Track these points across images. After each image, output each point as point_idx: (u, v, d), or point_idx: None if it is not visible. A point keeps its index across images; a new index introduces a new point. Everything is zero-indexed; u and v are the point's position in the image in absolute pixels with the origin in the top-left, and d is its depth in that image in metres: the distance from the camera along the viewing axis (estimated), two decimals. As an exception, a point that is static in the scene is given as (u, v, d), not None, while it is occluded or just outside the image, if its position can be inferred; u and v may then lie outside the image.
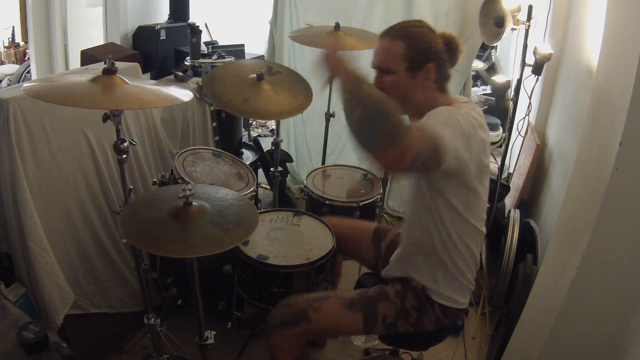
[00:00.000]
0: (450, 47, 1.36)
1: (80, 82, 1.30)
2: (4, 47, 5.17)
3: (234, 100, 1.85)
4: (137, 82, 1.38)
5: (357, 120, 1.08)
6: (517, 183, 2.95)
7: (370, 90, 1.12)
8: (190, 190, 1.29)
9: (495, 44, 4.49)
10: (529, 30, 2.34)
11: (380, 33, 1.38)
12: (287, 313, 1.44)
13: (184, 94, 1.41)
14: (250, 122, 4.36)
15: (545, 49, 2.41)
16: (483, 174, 1.32)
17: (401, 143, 1.05)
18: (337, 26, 2.28)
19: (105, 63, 1.33)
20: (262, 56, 3.76)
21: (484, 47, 4.62)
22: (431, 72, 1.32)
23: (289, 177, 3.45)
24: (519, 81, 2.47)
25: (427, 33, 1.34)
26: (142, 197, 1.48)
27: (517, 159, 3.13)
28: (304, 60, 3.20)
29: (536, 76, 2.52)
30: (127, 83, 1.33)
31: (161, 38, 3.29)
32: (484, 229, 1.42)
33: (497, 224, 2.63)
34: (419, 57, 1.31)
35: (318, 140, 3.14)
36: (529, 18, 2.31)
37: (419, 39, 1.32)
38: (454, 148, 1.19)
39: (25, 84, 1.28)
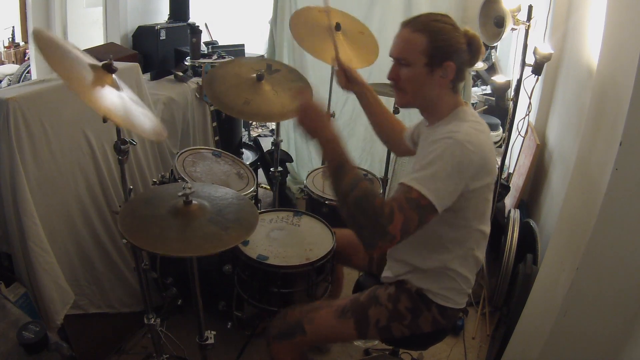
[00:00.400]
0: (472, 46, 1.29)
1: (82, 63, 1.27)
2: (4, 47, 5.16)
3: (234, 102, 1.84)
4: (127, 94, 1.32)
5: (341, 211, 1.17)
6: (517, 183, 2.95)
7: (350, 181, 1.15)
8: (190, 188, 1.29)
9: (495, 44, 4.49)
10: (529, 30, 2.33)
11: (403, 21, 1.31)
12: (284, 324, 1.45)
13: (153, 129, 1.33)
14: (250, 122, 4.36)
15: (545, 49, 2.41)
16: (489, 185, 1.31)
17: (383, 240, 1.11)
18: (337, 26, 2.27)
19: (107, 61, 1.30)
20: (262, 56, 3.76)
21: (484, 47, 4.62)
22: (450, 70, 1.26)
23: (289, 177, 3.45)
24: (519, 81, 2.47)
25: (451, 30, 1.26)
26: (142, 196, 1.48)
27: (517, 159, 3.13)
28: (304, 60, 3.20)
29: (536, 76, 2.52)
30: (119, 89, 1.28)
31: (161, 38, 3.29)
32: (488, 230, 1.38)
33: (497, 224, 2.63)
34: (439, 54, 1.24)
35: (318, 140, 3.14)
36: (529, 18, 2.31)
37: (442, 35, 1.25)
38: (444, 195, 1.15)
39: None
